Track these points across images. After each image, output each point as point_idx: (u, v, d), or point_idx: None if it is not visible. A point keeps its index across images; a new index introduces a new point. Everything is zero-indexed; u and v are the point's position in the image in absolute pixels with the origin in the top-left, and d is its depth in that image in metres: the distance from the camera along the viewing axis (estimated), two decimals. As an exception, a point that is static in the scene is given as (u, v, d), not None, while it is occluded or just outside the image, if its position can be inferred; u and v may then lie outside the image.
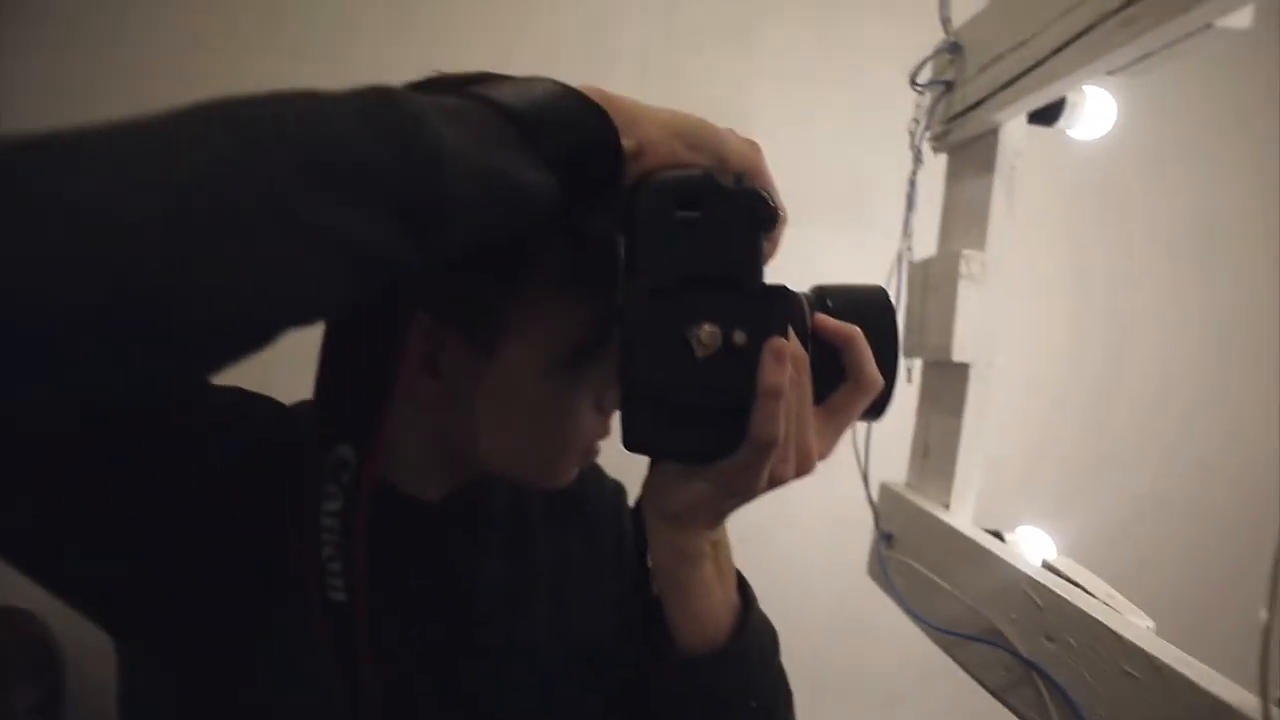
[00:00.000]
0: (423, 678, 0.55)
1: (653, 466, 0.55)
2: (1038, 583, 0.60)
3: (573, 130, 0.41)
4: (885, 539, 0.86)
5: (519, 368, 0.51)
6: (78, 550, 0.41)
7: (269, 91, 0.33)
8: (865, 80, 1.58)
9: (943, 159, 0.88)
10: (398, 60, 1.53)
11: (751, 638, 0.56)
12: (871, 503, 0.87)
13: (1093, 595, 0.58)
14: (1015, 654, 0.60)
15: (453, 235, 0.37)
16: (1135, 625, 0.51)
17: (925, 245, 0.87)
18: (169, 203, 0.28)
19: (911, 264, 0.86)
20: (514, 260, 0.49)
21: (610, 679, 0.66)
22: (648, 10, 1.60)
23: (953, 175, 0.87)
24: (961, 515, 0.79)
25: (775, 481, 0.47)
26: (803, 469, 0.47)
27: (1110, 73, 0.62)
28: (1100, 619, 0.52)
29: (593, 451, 0.58)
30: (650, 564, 0.57)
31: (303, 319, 0.34)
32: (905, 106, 0.87)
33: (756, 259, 0.45)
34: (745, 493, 0.48)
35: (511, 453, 0.54)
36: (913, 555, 0.81)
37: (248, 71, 1.50)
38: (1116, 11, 0.57)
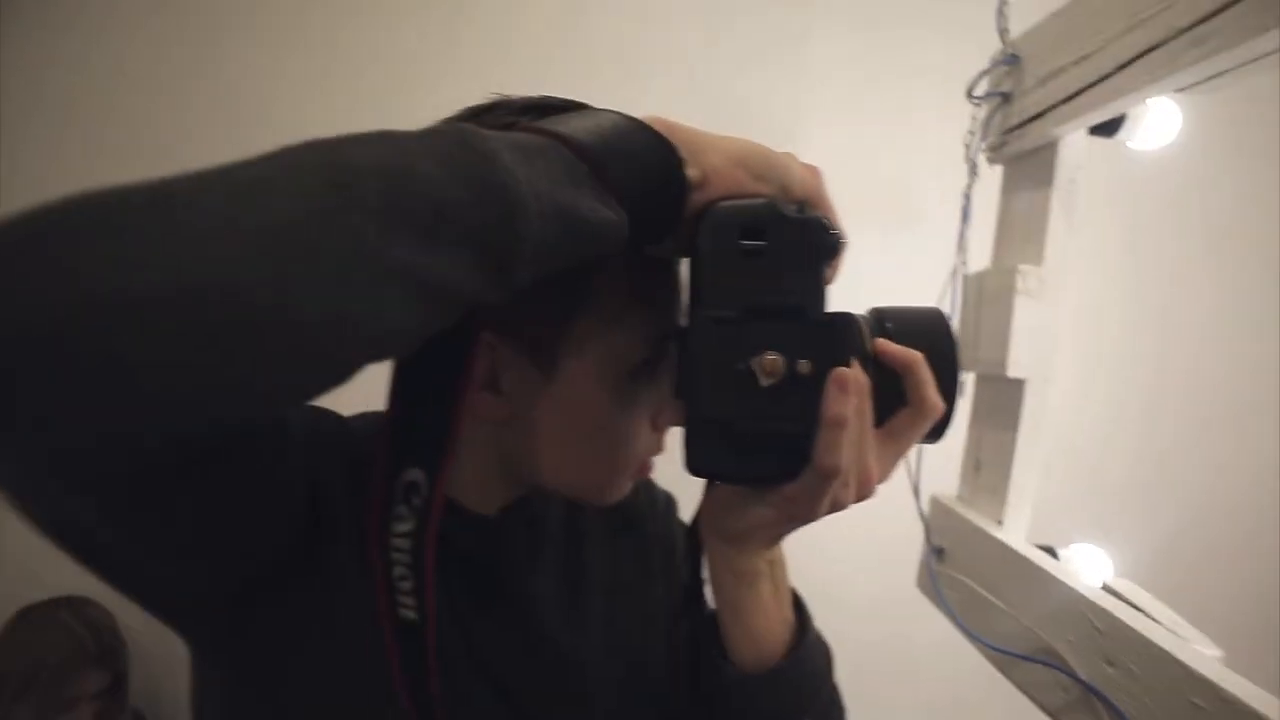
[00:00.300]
0: (482, 692, 0.56)
1: (711, 487, 0.56)
2: (1098, 606, 0.59)
3: (640, 164, 0.42)
4: (936, 553, 0.85)
5: (578, 386, 0.52)
6: (175, 561, 0.43)
7: (349, 135, 0.34)
8: (914, 92, 1.56)
9: (993, 171, 0.87)
10: (451, 75, 1.56)
11: (807, 657, 0.56)
12: (922, 516, 0.87)
13: (1157, 621, 0.57)
14: (1073, 676, 0.60)
15: (526, 272, 0.38)
16: (1203, 655, 0.51)
17: (975, 256, 0.86)
18: (260, 248, 0.30)
19: (965, 277, 0.85)
20: (577, 282, 0.50)
21: (659, 694, 0.67)
22: (697, 22, 1.60)
23: (1009, 187, 0.86)
24: (1015, 532, 0.78)
25: (835, 506, 0.47)
26: (863, 493, 0.47)
27: (1180, 90, 0.61)
28: (1167, 648, 0.52)
29: (647, 468, 0.59)
30: (705, 582, 0.58)
31: (380, 355, 0.36)
32: (953, 117, 0.87)
33: (820, 288, 0.46)
34: (805, 517, 0.49)
35: (569, 469, 0.55)
36: (964, 570, 0.81)
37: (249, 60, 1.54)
38: (1187, 29, 0.56)
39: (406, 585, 0.46)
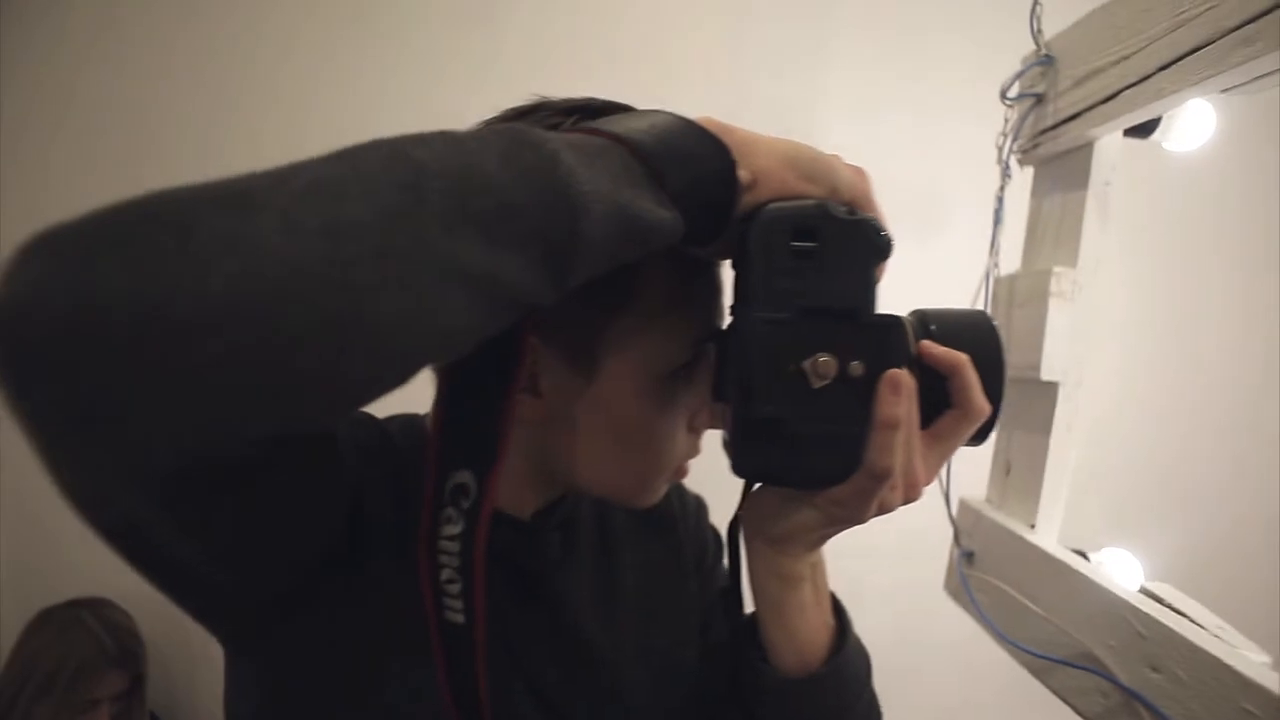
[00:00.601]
0: (520, 692, 0.56)
1: (755, 489, 0.56)
2: (1140, 610, 0.59)
3: (694, 164, 0.42)
4: (966, 556, 0.85)
5: (618, 388, 0.52)
6: (227, 566, 0.43)
7: (410, 135, 0.34)
8: (937, 93, 1.56)
9: (1019, 173, 0.86)
10: (479, 80, 1.56)
11: (848, 661, 0.55)
12: (952, 519, 0.87)
13: (1201, 626, 0.56)
14: (1115, 682, 0.59)
15: (584, 273, 0.38)
16: (1253, 661, 0.50)
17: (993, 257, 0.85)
18: (329, 248, 0.30)
19: (996, 279, 0.85)
20: (619, 283, 0.50)
21: (691, 695, 0.67)
22: (717, 23, 1.60)
23: (1040, 189, 0.85)
24: (1048, 536, 0.78)
25: (883, 509, 0.47)
26: (910, 496, 0.47)
27: (1224, 91, 0.60)
28: (1216, 653, 0.51)
29: (683, 471, 0.59)
30: (745, 584, 0.58)
31: (442, 356, 0.36)
32: (975, 119, 0.86)
33: (871, 289, 0.45)
34: (853, 520, 0.48)
35: (607, 471, 0.55)
36: (996, 574, 0.80)
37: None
38: (1236, 29, 0.55)
39: (454, 588, 0.46)
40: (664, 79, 1.56)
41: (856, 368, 0.44)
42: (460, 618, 0.46)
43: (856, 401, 0.44)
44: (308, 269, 0.29)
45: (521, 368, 0.46)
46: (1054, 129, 0.79)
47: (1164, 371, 1.76)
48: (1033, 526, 0.79)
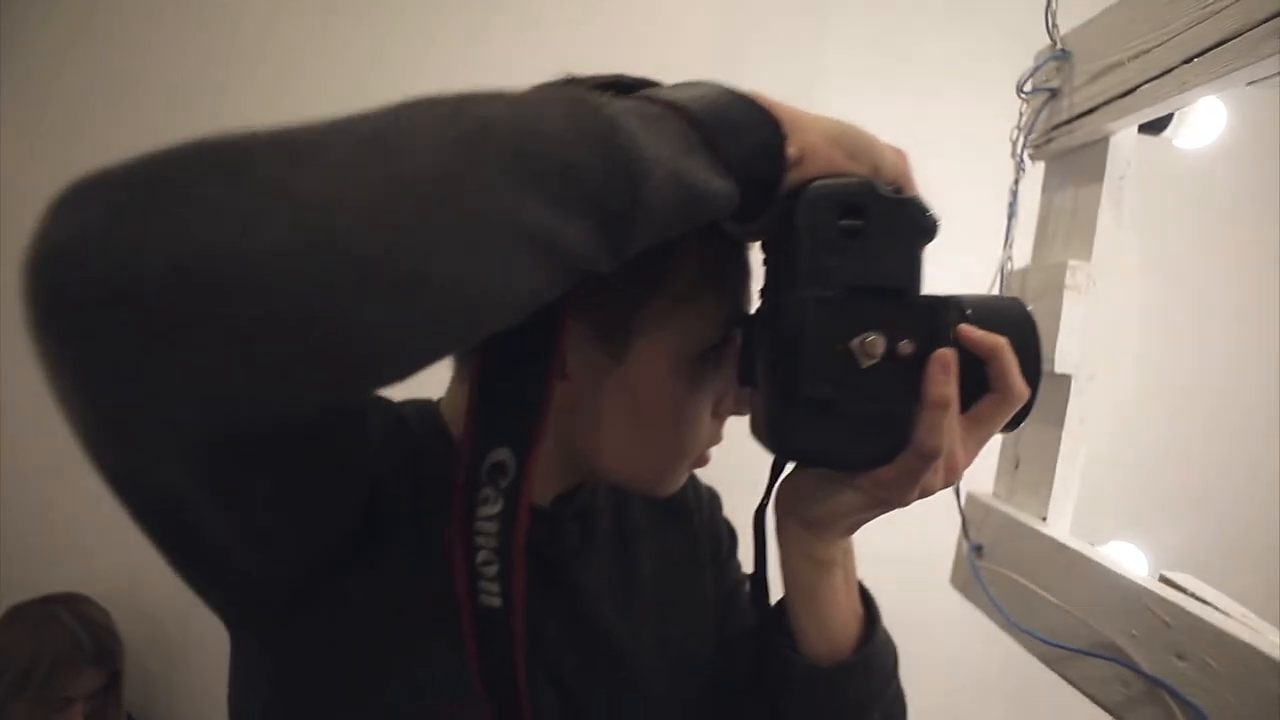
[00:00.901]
0: (543, 685, 0.55)
1: (790, 472, 0.55)
2: (1164, 599, 0.59)
3: (745, 135, 0.41)
4: (975, 550, 0.85)
5: (649, 369, 0.51)
6: (257, 544, 0.41)
7: (466, 92, 0.33)
8: (935, 85, 1.57)
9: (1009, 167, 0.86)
10: (476, 69, 1.54)
11: (877, 650, 0.55)
12: (961, 512, 0.87)
13: (1226, 614, 0.57)
14: (1138, 671, 0.59)
15: (640, 242, 0.37)
16: (1285, 647, 0.50)
17: (994, 250, 0.86)
18: (391, 200, 0.28)
19: (1009, 273, 0.85)
20: (655, 261, 0.49)
21: (707, 685, 0.66)
22: (712, 8, 1.59)
23: (1051, 184, 0.86)
24: (1060, 528, 0.78)
25: (924, 492, 0.46)
26: (950, 479, 0.46)
27: (1250, 83, 0.61)
28: (1248, 640, 0.51)
29: (705, 458, 0.58)
30: (768, 572, 0.57)
31: (500, 321, 0.34)
32: (977, 107, 0.86)
33: (918, 269, 0.45)
34: (895, 502, 0.48)
35: (631, 456, 0.54)
36: (1007, 566, 0.80)
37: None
38: (1266, 21, 0.56)
39: (491, 570, 0.45)
40: (661, 59, 1.55)
41: (906, 346, 0.43)
42: (497, 601, 0.45)
43: (904, 381, 0.44)
44: (372, 223, 0.28)
45: (562, 341, 0.45)
46: (1068, 124, 0.80)
47: (1173, 371, 1.78)
48: (1044, 519, 0.79)
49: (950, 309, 0.46)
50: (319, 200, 0.27)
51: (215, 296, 0.25)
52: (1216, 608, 0.58)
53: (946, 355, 0.43)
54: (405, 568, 0.48)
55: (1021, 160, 0.83)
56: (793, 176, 0.43)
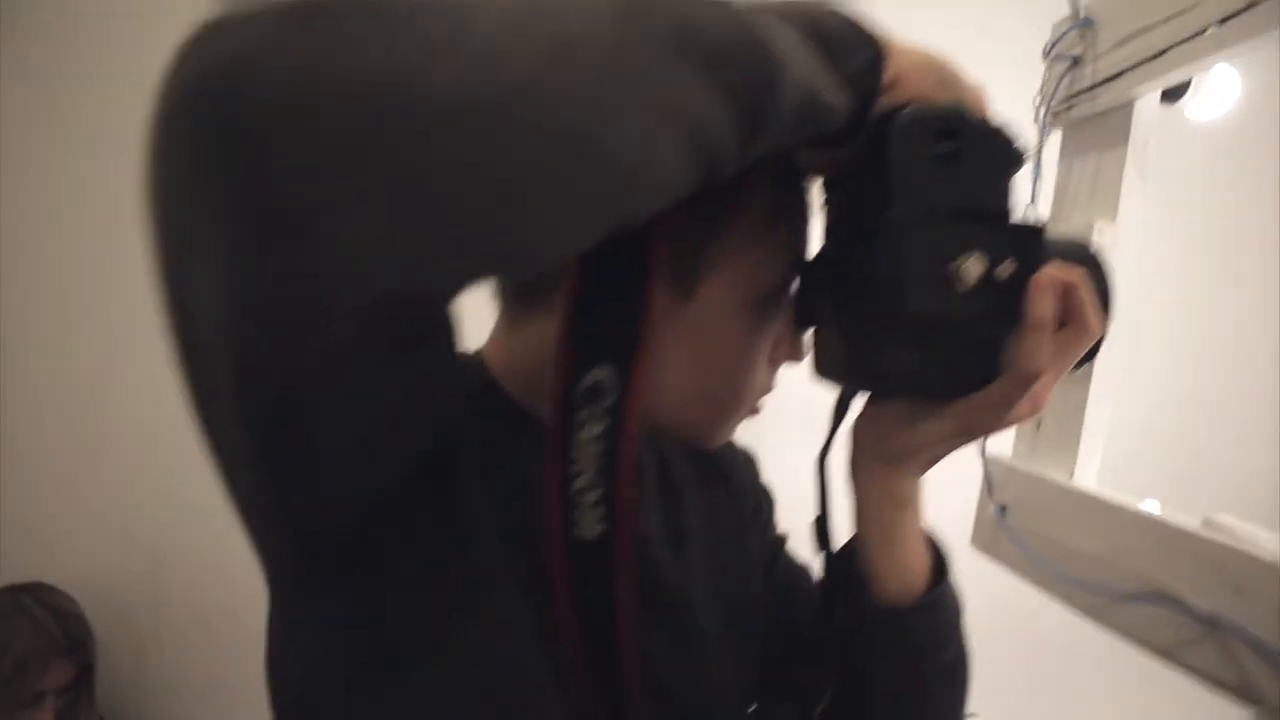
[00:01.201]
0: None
1: (867, 409, 0.55)
2: (1212, 540, 0.60)
3: (854, 55, 0.41)
4: (999, 510, 0.86)
5: (716, 308, 0.51)
6: (352, 456, 0.38)
7: None
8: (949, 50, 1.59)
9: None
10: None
11: (949, 590, 0.55)
12: (986, 473, 0.88)
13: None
14: (1193, 610, 0.60)
15: (766, 142, 0.37)
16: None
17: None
18: (554, 59, 0.27)
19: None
20: (727, 198, 0.48)
21: (755, 639, 0.66)
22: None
23: (1069, 151, 0.88)
24: (1089, 483, 0.80)
25: (1012, 419, 0.47)
26: (1035, 408, 0.46)
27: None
28: (1315, 568, 0.53)
29: (756, 409, 0.58)
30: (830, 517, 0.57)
31: (647, 201, 0.33)
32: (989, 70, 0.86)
33: (1011, 194, 0.46)
34: (986, 429, 0.48)
35: (690, 403, 0.53)
36: (1034, 524, 0.81)
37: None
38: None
39: (592, 495, 0.43)
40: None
41: (1006, 269, 0.44)
42: (600, 526, 0.43)
43: (1002, 305, 0.44)
44: (529, 77, 0.27)
45: (659, 256, 0.43)
46: (1090, 90, 0.82)
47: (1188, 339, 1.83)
48: (1071, 475, 0.80)
49: (1044, 231, 0.46)
50: (482, 53, 0.26)
51: (400, 116, 0.25)
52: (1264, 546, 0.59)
53: (1048, 276, 0.44)
54: (481, 514, 0.46)
55: (1045, 127, 0.85)
56: (884, 101, 0.43)
